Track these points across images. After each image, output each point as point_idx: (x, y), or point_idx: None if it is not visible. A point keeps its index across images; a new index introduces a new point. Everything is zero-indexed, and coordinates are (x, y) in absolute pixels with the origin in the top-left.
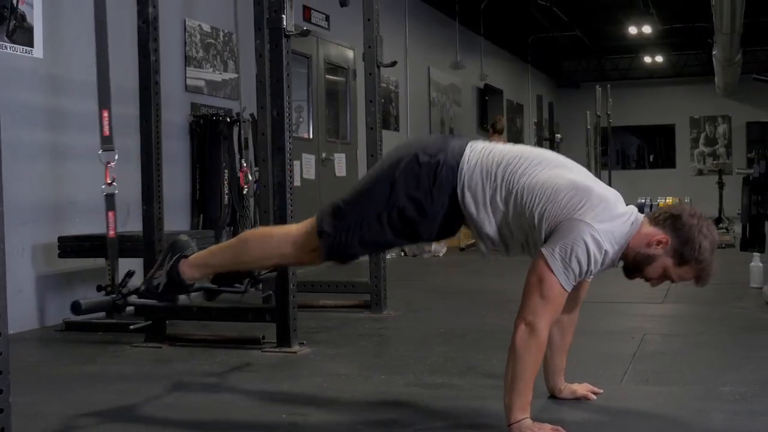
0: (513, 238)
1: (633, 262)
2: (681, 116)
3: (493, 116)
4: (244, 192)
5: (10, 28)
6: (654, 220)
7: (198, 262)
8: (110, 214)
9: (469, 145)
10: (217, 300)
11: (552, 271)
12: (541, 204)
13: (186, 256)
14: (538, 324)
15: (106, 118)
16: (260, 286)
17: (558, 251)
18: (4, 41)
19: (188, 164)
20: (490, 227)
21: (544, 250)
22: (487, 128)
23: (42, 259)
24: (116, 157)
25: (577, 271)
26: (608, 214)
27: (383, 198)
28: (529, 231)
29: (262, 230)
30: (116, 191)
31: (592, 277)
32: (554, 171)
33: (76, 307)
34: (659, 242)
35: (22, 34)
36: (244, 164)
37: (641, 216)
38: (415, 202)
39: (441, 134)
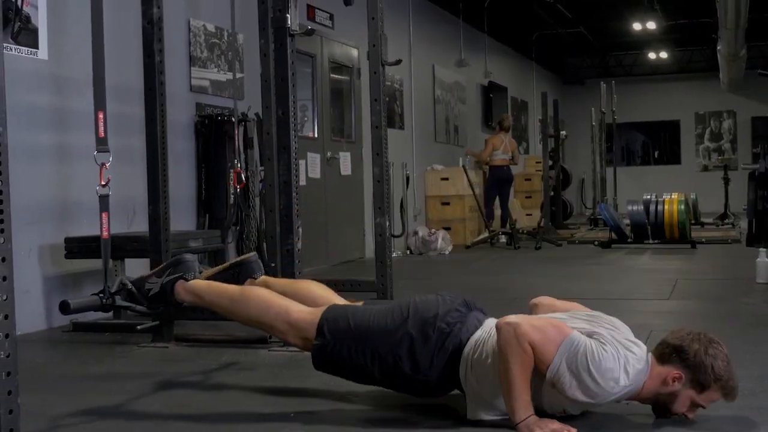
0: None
1: (658, 404)
2: (686, 112)
3: (498, 114)
4: (235, 191)
5: (15, 29)
6: (660, 358)
7: (194, 290)
8: (104, 215)
9: (482, 327)
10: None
11: (558, 353)
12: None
13: (186, 279)
14: (522, 330)
15: (102, 120)
16: None
17: (587, 358)
18: (9, 43)
19: (194, 164)
20: (497, 397)
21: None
22: (492, 126)
23: (49, 259)
24: (110, 158)
25: (572, 388)
26: (635, 354)
27: (388, 341)
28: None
29: (265, 295)
30: (110, 192)
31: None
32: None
33: (64, 307)
34: (674, 379)
35: (27, 35)
36: (238, 165)
37: (649, 355)
38: (414, 361)
39: (466, 301)
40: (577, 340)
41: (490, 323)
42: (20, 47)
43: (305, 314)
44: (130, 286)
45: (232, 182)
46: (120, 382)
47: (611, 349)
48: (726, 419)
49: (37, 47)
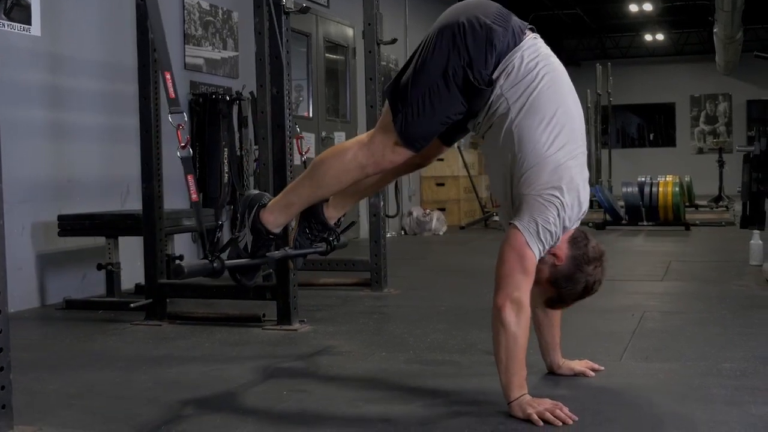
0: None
1: None
2: (681, 94)
3: None
4: (230, 169)
5: (8, 5)
6: (572, 238)
7: (278, 204)
8: (189, 177)
9: (530, 32)
10: (223, 278)
11: (529, 246)
12: (524, 165)
13: (264, 205)
14: (524, 299)
15: (170, 81)
16: (341, 237)
17: (533, 226)
18: (1, 19)
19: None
20: (495, 111)
21: (519, 224)
22: None
23: (42, 237)
24: (186, 118)
25: (547, 247)
26: (576, 207)
27: (445, 56)
28: (503, 159)
29: (332, 149)
30: (191, 154)
31: None
32: (559, 140)
33: (178, 271)
34: (554, 255)
35: (20, 11)
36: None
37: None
38: (469, 60)
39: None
40: (532, 236)
41: (537, 38)
42: (13, 23)
43: (372, 131)
44: (226, 253)
45: (226, 161)
46: (113, 360)
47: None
48: (719, 399)
49: (30, 23)
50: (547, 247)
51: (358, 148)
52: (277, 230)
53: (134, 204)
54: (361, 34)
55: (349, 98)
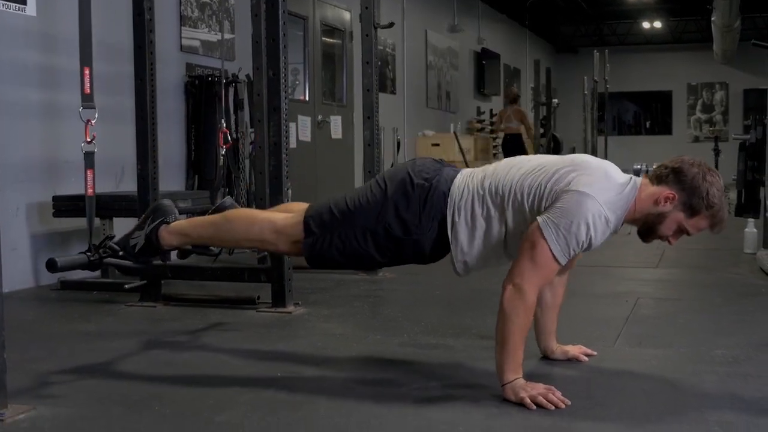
0: (514, 241)
1: (645, 225)
2: (678, 82)
3: (491, 81)
4: (226, 152)
5: None
6: (656, 178)
7: (178, 230)
8: (89, 172)
9: (460, 172)
10: (219, 260)
11: (544, 238)
12: (540, 186)
13: (167, 223)
14: (525, 287)
15: (87, 76)
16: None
17: (553, 220)
18: None
19: (183, 124)
20: (480, 245)
21: (539, 218)
22: (484, 92)
23: (37, 217)
24: (96, 115)
25: (573, 244)
26: (607, 183)
27: (373, 214)
28: (532, 219)
29: (246, 212)
30: (95, 149)
31: (597, 248)
32: (542, 158)
33: (51, 265)
34: (666, 198)
35: None
36: (224, 125)
37: (639, 179)
38: (403, 222)
39: (436, 159)
40: (550, 229)
41: (464, 171)
42: (8, 2)
43: (290, 219)
44: (116, 247)
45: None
46: (107, 341)
47: (573, 221)
48: (711, 385)
49: (25, 3)
50: (573, 246)
51: (268, 227)
52: (166, 248)
53: (129, 185)
54: (358, 17)
55: (345, 82)
